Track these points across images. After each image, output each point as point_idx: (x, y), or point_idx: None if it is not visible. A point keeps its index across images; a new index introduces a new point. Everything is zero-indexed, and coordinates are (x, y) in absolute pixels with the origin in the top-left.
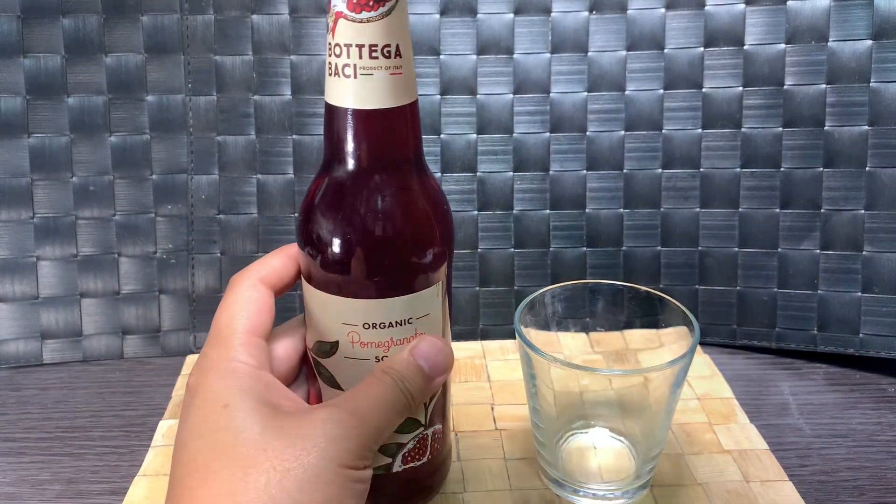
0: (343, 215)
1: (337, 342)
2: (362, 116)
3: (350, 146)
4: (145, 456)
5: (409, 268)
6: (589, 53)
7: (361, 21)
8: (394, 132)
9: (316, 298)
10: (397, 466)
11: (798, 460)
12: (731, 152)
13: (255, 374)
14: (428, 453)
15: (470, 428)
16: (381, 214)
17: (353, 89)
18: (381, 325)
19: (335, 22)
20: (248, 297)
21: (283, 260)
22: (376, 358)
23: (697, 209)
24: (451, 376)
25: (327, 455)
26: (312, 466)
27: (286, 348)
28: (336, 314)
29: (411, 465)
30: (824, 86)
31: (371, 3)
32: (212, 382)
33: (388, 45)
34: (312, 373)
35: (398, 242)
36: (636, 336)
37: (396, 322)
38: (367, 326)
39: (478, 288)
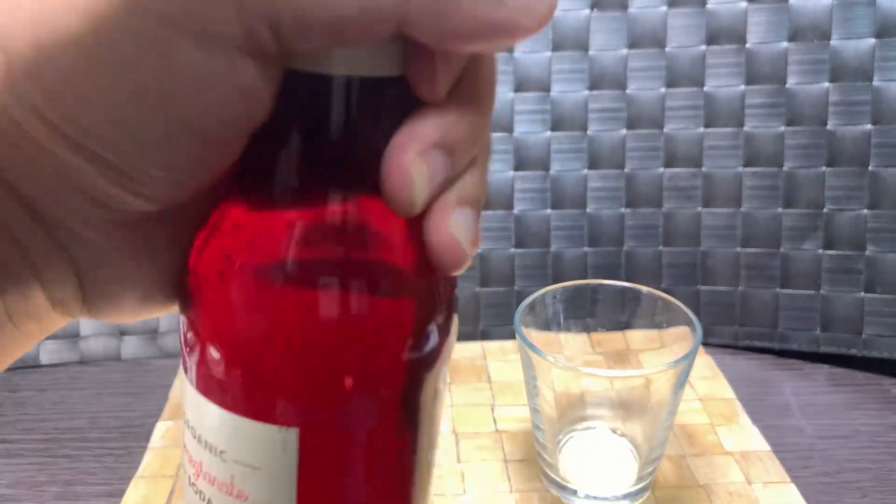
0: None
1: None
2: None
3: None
4: (143, 458)
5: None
6: (590, 52)
7: None
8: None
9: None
10: None
11: (800, 462)
12: (733, 151)
13: None
14: None
15: (470, 429)
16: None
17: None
18: (197, 437)
19: None
20: None
21: None
22: (189, 477)
23: (699, 209)
24: (451, 377)
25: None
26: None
27: None
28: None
29: None
30: (827, 84)
31: None
32: None
33: None
34: None
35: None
36: (637, 337)
37: (209, 444)
38: (188, 426)
39: (478, 288)
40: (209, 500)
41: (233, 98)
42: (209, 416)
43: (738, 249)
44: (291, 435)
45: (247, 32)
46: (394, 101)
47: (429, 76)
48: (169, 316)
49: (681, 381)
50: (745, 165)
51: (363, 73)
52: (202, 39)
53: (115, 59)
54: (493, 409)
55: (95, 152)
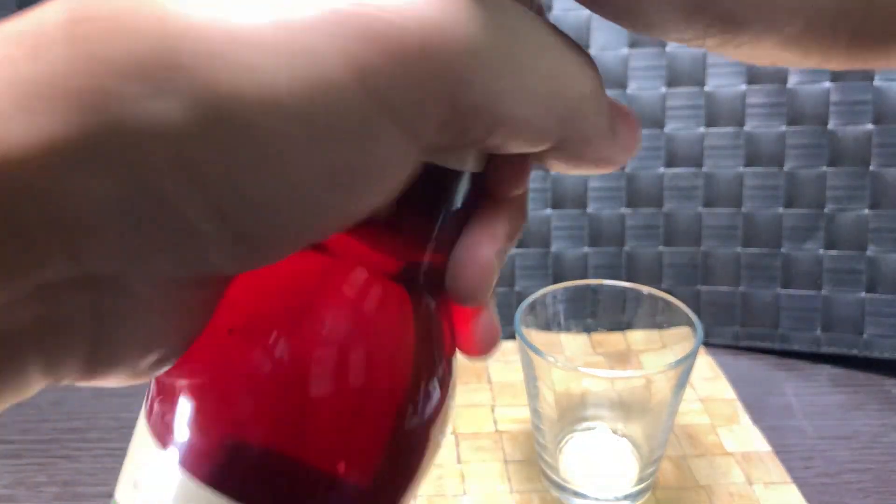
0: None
1: None
2: None
3: None
4: None
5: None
6: (590, 51)
7: None
8: None
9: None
10: None
11: (801, 462)
12: (735, 151)
13: None
14: None
15: (470, 430)
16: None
17: None
18: None
19: None
20: None
21: None
22: None
23: (700, 209)
24: None
25: None
26: None
27: None
28: (138, 460)
29: None
30: (828, 84)
31: None
32: None
33: None
34: None
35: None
36: (638, 337)
37: None
38: None
39: None
40: None
41: (391, 186)
42: None
43: (739, 249)
44: None
45: (442, 132)
46: (469, 195)
47: (511, 179)
48: None
49: (682, 382)
50: (747, 165)
51: (458, 167)
52: (408, 133)
53: (323, 129)
54: (493, 410)
55: (234, 221)
